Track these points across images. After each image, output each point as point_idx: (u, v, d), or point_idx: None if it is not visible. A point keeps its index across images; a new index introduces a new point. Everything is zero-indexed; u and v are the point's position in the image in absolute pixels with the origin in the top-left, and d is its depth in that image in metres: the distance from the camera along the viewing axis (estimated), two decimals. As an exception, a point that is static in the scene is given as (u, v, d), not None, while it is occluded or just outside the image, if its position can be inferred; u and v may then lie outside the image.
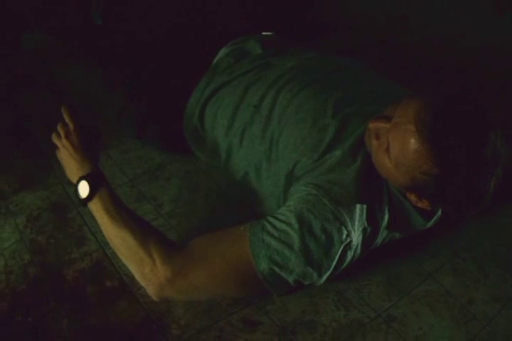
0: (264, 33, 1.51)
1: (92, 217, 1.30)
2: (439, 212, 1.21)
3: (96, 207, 1.14)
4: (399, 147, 0.98)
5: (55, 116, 1.37)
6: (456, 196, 1.00)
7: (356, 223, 1.06)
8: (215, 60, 1.45)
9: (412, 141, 0.95)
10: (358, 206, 1.06)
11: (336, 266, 1.08)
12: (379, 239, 1.14)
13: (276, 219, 1.06)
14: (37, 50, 1.74)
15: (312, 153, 1.15)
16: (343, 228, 1.05)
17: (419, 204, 1.08)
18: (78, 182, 1.16)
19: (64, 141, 1.24)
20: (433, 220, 1.21)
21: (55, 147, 1.27)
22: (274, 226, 1.05)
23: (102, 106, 1.53)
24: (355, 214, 1.06)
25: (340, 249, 1.06)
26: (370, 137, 1.06)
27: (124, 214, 1.13)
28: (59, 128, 1.27)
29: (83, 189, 1.15)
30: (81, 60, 1.65)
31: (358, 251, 1.11)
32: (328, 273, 1.08)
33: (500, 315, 1.17)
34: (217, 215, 1.36)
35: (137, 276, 1.09)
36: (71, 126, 1.25)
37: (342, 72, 1.33)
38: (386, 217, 1.12)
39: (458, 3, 2.37)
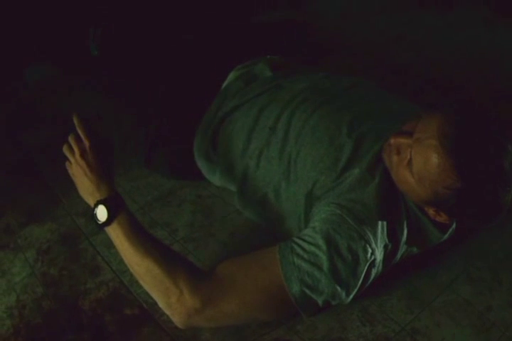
0: (270, 56, 1.54)
1: (105, 246, 1.33)
2: (454, 225, 1.24)
3: (115, 233, 1.12)
4: (422, 162, 1.01)
5: (61, 149, 1.39)
6: (476, 209, 1.04)
7: (379, 240, 1.09)
8: (224, 84, 1.48)
9: (436, 155, 0.98)
10: (380, 223, 1.09)
11: (361, 284, 1.10)
12: (399, 255, 1.17)
13: (304, 240, 1.08)
14: (41, 82, 1.76)
15: (330, 172, 1.18)
16: (368, 246, 1.07)
17: (438, 218, 1.12)
18: (96, 205, 1.14)
19: (79, 159, 1.18)
20: (448, 233, 1.24)
21: (66, 159, 1.23)
22: (303, 248, 1.06)
23: (108, 134, 1.55)
24: (377, 232, 1.09)
25: (366, 268, 1.08)
26: (391, 153, 1.10)
27: (146, 241, 1.10)
28: (72, 142, 1.20)
29: (101, 213, 1.12)
30: (86, 89, 1.67)
31: (380, 267, 1.13)
32: (355, 291, 1.10)
33: None
34: (235, 238, 1.37)
35: (162, 305, 1.08)
36: (87, 143, 1.18)
37: (353, 91, 1.37)
38: (405, 232, 1.15)
39: (451, 20, 2.47)
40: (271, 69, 1.47)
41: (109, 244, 1.32)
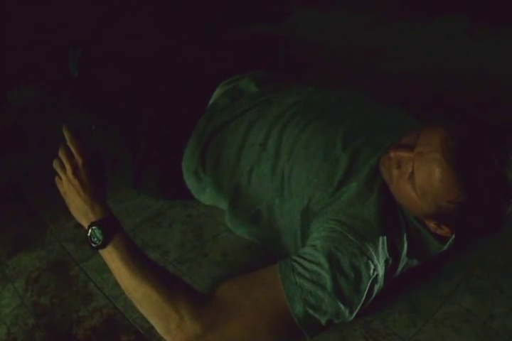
0: (254, 71, 1.54)
1: (97, 272, 1.31)
2: (453, 235, 1.24)
3: (110, 257, 1.09)
4: (425, 176, 1.00)
5: (48, 173, 1.37)
6: (480, 221, 1.05)
7: (380, 255, 1.09)
8: (211, 101, 1.47)
9: (440, 169, 0.98)
10: (380, 238, 1.09)
11: (364, 300, 1.09)
12: (399, 268, 1.17)
13: (305, 259, 1.06)
14: (26, 105, 1.74)
15: (327, 187, 1.18)
16: (370, 262, 1.07)
17: (439, 232, 1.12)
18: (90, 227, 1.10)
19: (71, 177, 1.13)
20: (448, 243, 1.24)
21: (56, 174, 1.18)
22: (305, 267, 1.05)
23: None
24: (379, 247, 1.09)
25: (369, 284, 1.07)
26: (391, 167, 1.09)
27: (143, 265, 1.08)
28: (63, 157, 1.15)
29: (95, 235, 1.09)
30: (72, 111, 1.66)
31: (382, 282, 1.12)
32: (358, 309, 1.09)
33: None
34: (228, 257, 1.36)
35: (160, 331, 1.05)
36: (79, 160, 1.13)
37: (345, 104, 1.37)
38: (405, 245, 1.14)
39: (431, 31, 2.50)
40: (256, 84, 1.47)
41: (101, 270, 1.31)
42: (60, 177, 1.16)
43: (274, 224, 1.28)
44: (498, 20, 2.53)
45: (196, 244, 1.39)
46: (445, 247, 1.24)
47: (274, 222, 1.27)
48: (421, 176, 1.02)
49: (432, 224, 1.11)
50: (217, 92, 1.48)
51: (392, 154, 1.07)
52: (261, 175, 1.28)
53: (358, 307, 1.08)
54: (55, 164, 1.16)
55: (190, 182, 1.43)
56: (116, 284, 1.25)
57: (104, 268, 1.29)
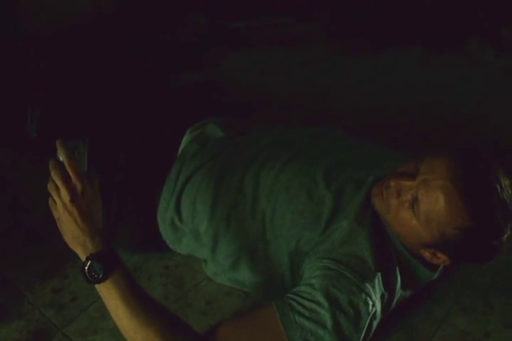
0: (215, 117, 1.57)
1: (80, 336, 1.30)
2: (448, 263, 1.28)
3: (109, 293, 1.04)
4: (432, 202, 1.05)
5: (16, 239, 1.37)
6: (479, 249, 1.11)
7: (377, 291, 1.12)
8: (180, 149, 1.48)
9: (448, 196, 1.03)
10: (376, 274, 1.12)
11: (364, 337, 1.11)
12: (394, 302, 1.19)
13: (303, 297, 1.08)
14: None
15: (314, 226, 1.20)
16: (369, 299, 1.09)
17: (434, 260, 1.16)
18: (88, 259, 1.04)
19: (68, 204, 1.04)
20: (438, 271, 1.28)
21: (50, 198, 1.08)
22: (303, 306, 1.06)
23: None
24: (375, 283, 1.12)
25: (368, 321, 1.10)
26: (389, 196, 1.13)
27: (145, 305, 1.04)
28: (58, 181, 1.04)
29: (94, 269, 1.04)
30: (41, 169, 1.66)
31: (379, 318, 1.15)
32: None
33: None
34: (212, 305, 1.36)
35: None
36: (78, 187, 1.04)
37: (319, 142, 1.41)
38: (399, 278, 1.18)
39: (385, 64, 2.59)
40: (222, 129, 1.49)
41: (85, 333, 1.30)
42: (54, 200, 1.07)
43: (257, 269, 1.28)
44: (449, 48, 2.66)
45: (179, 295, 1.39)
46: (436, 275, 1.28)
47: (257, 267, 1.28)
48: (427, 203, 1.06)
49: (427, 253, 1.15)
50: (185, 140, 1.50)
51: (392, 183, 1.12)
52: (240, 219, 1.29)
53: None
54: (50, 186, 1.06)
55: (166, 233, 1.43)
56: (104, 346, 1.26)
57: (87, 331, 1.30)
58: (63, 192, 1.04)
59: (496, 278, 1.41)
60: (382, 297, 1.13)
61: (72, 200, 1.04)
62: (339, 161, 1.32)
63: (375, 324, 1.13)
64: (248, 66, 2.55)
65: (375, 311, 1.11)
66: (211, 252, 1.35)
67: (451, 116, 2.14)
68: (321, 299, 1.06)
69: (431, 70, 2.52)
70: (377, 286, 1.12)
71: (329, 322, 1.05)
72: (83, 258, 1.06)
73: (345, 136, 1.49)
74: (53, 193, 1.06)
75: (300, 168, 1.29)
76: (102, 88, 1.80)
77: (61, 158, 1.06)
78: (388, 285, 1.15)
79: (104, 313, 1.33)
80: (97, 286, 1.06)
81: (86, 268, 1.04)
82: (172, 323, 1.06)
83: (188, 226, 1.38)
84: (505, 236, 1.08)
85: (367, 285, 1.10)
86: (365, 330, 1.10)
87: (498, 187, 1.05)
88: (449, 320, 1.31)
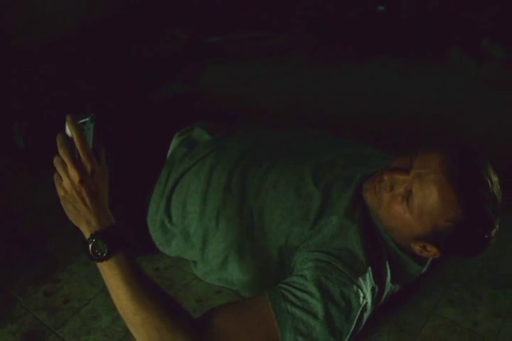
0: (201, 122, 1.62)
1: (74, 337, 1.32)
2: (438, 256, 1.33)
3: (111, 273, 1.06)
4: (426, 195, 1.11)
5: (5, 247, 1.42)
6: (470, 242, 1.16)
7: (368, 284, 1.16)
8: (169, 152, 1.54)
9: (442, 189, 1.09)
10: (367, 267, 1.17)
11: (354, 329, 1.15)
12: (385, 295, 1.24)
13: (295, 288, 1.12)
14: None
15: (304, 222, 1.25)
16: (360, 291, 1.14)
17: (424, 254, 1.20)
18: (93, 236, 1.05)
19: (77, 186, 1.03)
20: (427, 265, 1.34)
21: (54, 170, 1.05)
22: (295, 296, 1.10)
23: (60, 219, 1.55)
24: (366, 276, 1.16)
25: (359, 312, 1.14)
26: (381, 190, 1.18)
27: (146, 288, 1.06)
28: (66, 159, 1.02)
29: (98, 246, 1.04)
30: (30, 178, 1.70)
31: (370, 310, 1.19)
32: (348, 337, 1.14)
33: (504, 327, 1.31)
34: (203, 303, 1.39)
35: None
36: (88, 166, 1.03)
37: (307, 142, 1.47)
38: (389, 272, 1.23)
39: (366, 74, 2.67)
40: (208, 132, 1.54)
41: (78, 334, 1.32)
42: (59, 175, 1.05)
43: (245, 267, 1.32)
44: (430, 58, 2.74)
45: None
46: (424, 269, 1.33)
47: (245, 265, 1.32)
48: (421, 196, 1.11)
49: (417, 247, 1.20)
50: (173, 143, 1.55)
51: (386, 177, 1.17)
52: (228, 217, 1.34)
53: (348, 335, 1.14)
54: (56, 161, 1.04)
55: (156, 235, 1.47)
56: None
57: (81, 332, 1.33)
58: (72, 172, 1.02)
59: (483, 271, 1.46)
60: (372, 290, 1.18)
61: (82, 181, 1.02)
62: (327, 160, 1.37)
63: (365, 316, 1.17)
64: (228, 78, 2.63)
65: (366, 303, 1.15)
66: (201, 252, 1.38)
67: (432, 123, 2.21)
68: (313, 290, 1.10)
69: (413, 79, 2.60)
70: (367, 279, 1.16)
71: (321, 313, 1.09)
72: (87, 235, 1.06)
73: (332, 137, 1.55)
74: (60, 170, 1.04)
75: (288, 167, 1.35)
76: (86, 100, 1.85)
77: (69, 134, 1.04)
78: (378, 279, 1.19)
79: (96, 314, 1.38)
80: (99, 265, 1.07)
81: (90, 245, 1.05)
82: (171, 308, 1.08)
83: (178, 227, 1.42)
84: (494, 230, 1.14)
85: (358, 277, 1.15)
86: (355, 322, 1.14)
87: (489, 182, 1.11)
88: (438, 311, 1.35)
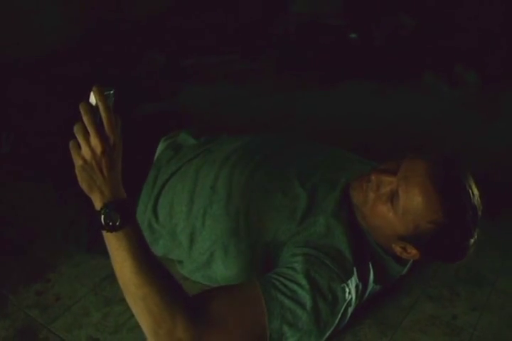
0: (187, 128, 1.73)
1: (66, 331, 1.38)
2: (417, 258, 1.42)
3: (118, 244, 1.10)
4: (410, 197, 1.20)
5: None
6: (447, 246, 1.26)
7: (353, 281, 1.25)
8: (156, 155, 1.63)
9: (426, 191, 1.18)
10: (352, 265, 1.26)
11: (338, 322, 1.24)
12: (367, 293, 1.34)
13: (285, 278, 1.20)
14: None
15: (290, 220, 1.33)
16: (346, 286, 1.23)
17: (404, 255, 1.30)
18: (106, 206, 1.08)
19: (98, 156, 1.06)
20: (407, 266, 1.44)
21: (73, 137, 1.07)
22: (285, 286, 1.19)
23: (49, 222, 1.63)
24: (351, 273, 1.25)
25: (343, 307, 1.23)
26: (368, 189, 1.28)
27: (152, 263, 1.11)
28: (91, 129, 1.05)
29: (109, 216, 1.08)
30: (25, 179, 1.76)
31: (354, 306, 1.28)
32: (331, 330, 1.24)
33: (481, 320, 1.42)
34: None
35: (148, 332, 1.11)
36: (111, 138, 1.07)
37: (292, 145, 1.57)
38: (371, 271, 1.32)
39: (340, 95, 2.81)
40: (193, 136, 1.65)
41: (70, 328, 1.38)
42: (75, 144, 1.08)
43: (230, 264, 1.39)
44: (404, 81, 2.90)
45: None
46: (404, 271, 1.44)
47: (229, 261, 1.39)
48: (405, 197, 1.21)
49: (397, 248, 1.29)
50: (159, 148, 1.65)
51: (373, 177, 1.27)
52: (214, 216, 1.42)
53: (331, 328, 1.23)
54: (78, 129, 1.06)
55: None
56: (90, 339, 1.36)
57: (73, 327, 1.39)
58: (95, 141, 1.05)
59: (460, 271, 1.57)
60: (356, 287, 1.27)
61: (104, 151, 1.06)
62: (312, 163, 1.47)
63: (349, 310, 1.27)
64: (201, 98, 2.75)
65: (351, 298, 1.24)
66: (188, 250, 1.46)
67: (406, 140, 2.32)
68: (303, 282, 1.19)
69: (386, 100, 2.74)
70: (353, 277, 1.25)
71: (309, 304, 1.17)
72: (99, 204, 1.10)
73: (316, 142, 1.66)
74: (81, 138, 1.06)
75: (274, 168, 1.44)
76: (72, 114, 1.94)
77: (94, 104, 1.06)
78: (362, 277, 1.29)
79: (87, 311, 1.44)
80: (107, 236, 1.11)
81: (102, 214, 1.08)
82: (173, 286, 1.14)
83: (165, 227, 1.50)
84: (472, 240, 1.24)
85: (344, 274, 1.24)
86: (339, 315, 1.23)
87: (471, 192, 1.21)
88: (418, 307, 1.45)
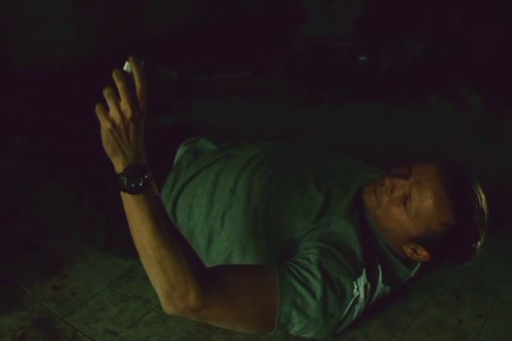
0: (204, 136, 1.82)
1: (83, 323, 1.44)
2: (419, 263, 1.52)
3: (139, 207, 1.15)
4: (423, 199, 1.29)
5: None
6: (457, 248, 1.35)
7: (362, 279, 1.33)
8: (176, 159, 1.71)
9: (438, 194, 1.28)
10: (362, 264, 1.34)
11: (344, 318, 1.32)
12: (376, 294, 1.41)
13: (300, 266, 1.28)
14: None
15: (306, 218, 1.41)
16: (354, 283, 1.30)
17: (414, 256, 1.38)
18: (129, 168, 1.14)
19: (127, 121, 1.12)
20: (416, 269, 1.52)
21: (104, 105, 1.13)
22: (300, 273, 1.27)
23: (65, 221, 1.69)
24: (361, 272, 1.33)
25: (351, 303, 1.31)
26: (382, 193, 1.37)
27: (170, 227, 1.19)
28: (123, 93, 1.11)
29: (131, 178, 1.13)
30: (46, 178, 1.82)
31: (362, 305, 1.36)
32: (336, 324, 1.31)
33: (486, 326, 1.49)
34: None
35: (160, 292, 1.19)
36: (141, 105, 1.13)
37: (309, 153, 1.67)
38: (380, 272, 1.40)
39: (352, 113, 2.91)
40: (212, 143, 1.74)
41: (87, 321, 1.44)
42: (102, 107, 1.13)
43: (247, 263, 1.46)
44: (411, 103, 3.01)
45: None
46: (412, 273, 1.52)
47: (247, 261, 1.46)
48: (418, 199, 1.30)
49: (409, 249, 1.37)
50: (179, 152, 1.73)
51: (387, 181, 1.36)
52: (234, 218, 1.49)
53: (336, 322, 1.30)
54: (108, 93, 1.12)
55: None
56: (107, 332, 1.42)
57: (90, 320, 1.45)
58: (126, 107, 1.11)
59: (466, 279, 1.66)
60: (365, 286, 1.34)
61: (133, 117, 1.12)
62: (327, 169, 1.56)
63: (356, 308, 1.34)
64: (213, 112, 2.84)
65: (358, 295, 1.32)
66: (205, 250, 1.53)
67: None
68: (316, 271, 1.27)
69: (393, 121, 2.83)
70: (362, 275, 1.33)
71: (319, 293, 1.25)
72: (122, 167, 1.15)
73: (328, 151, 1.75)
74: (111, 102, 1.12)
75: (291, 173, 1.53)
76: (84, 126, 2.02)
77: (129, 71, 1.13)
78: (371, 278, 1.36)
79: (104, 305, 1.50)
80: (128, 198, 1.16)
81: (125, 176, 1.14)
82: (188, 251, 1.23)
83: (182, 228, 1.57)
84: (480, 242, 1.33)
85: (354, 270, 1.31)
86: (346, 311, 1.30)
87: (479, 197, 1.31)
88: (425, 311, 1.53)
